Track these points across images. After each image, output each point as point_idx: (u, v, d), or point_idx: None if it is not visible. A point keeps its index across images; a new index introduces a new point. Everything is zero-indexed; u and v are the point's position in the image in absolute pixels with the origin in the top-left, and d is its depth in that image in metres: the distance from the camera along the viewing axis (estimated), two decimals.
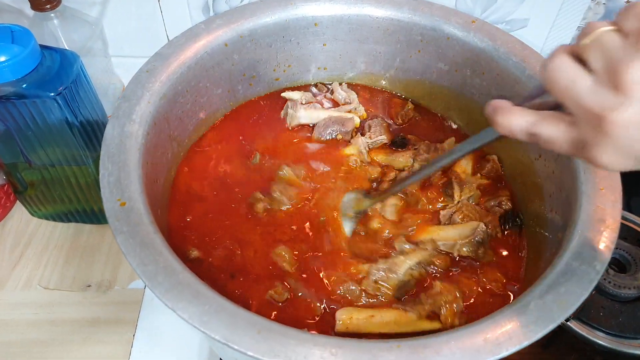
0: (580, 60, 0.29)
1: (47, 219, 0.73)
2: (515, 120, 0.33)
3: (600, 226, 0.36)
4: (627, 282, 0.59)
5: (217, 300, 0.32)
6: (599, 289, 0.59)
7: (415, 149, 0.55)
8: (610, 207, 0.37)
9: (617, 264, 0.62)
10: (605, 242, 0.35)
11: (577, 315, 0.58)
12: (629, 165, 0.30)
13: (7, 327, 0.63)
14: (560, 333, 0.58)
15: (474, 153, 0.54)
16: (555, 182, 0.45)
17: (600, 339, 0.57)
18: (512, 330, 0.31)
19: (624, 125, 0.27)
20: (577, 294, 0.33)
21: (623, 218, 0.67)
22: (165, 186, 0.47)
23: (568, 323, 0.58)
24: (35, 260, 0.70)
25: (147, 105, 0.43)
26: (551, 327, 0.31)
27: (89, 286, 0.67)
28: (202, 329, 0.30)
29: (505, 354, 0.30)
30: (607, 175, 0.39)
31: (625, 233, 0.66)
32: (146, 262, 0.33)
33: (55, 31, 0.64)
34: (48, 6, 0.62)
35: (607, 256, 0.35)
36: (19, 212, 0.75)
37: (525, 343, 0.30)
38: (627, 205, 0.69)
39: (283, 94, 0.60)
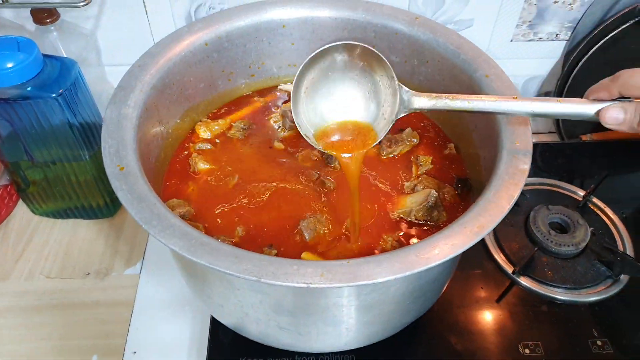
0: None
1: (47, 216, 0.80)
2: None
3: (514, 171, 0.44)
4: (567, 241, 0.67)
5: (201, 237, 0.39)
6: (543, 249, 0.68)
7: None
8: (522, 156, 0.45)
9: (559, 227, 0.70)
10: (516, 182, 0.43)
11: (525, 272, 0.66)
12: None
13: (13, 312, 0.68)
14: (511, 288, 0.66)
15: (435, 145, 0.62)
16: (486, 146, 0.53)
17: (545, 290, 0.65)
18: (439, 248, 0.39)
19: None
20: (492, 221, 0.40)
21: (564, 188, 0.76)
22: (156, 165, 0.54)
23: (517, 279, 0.66)
24: (37, 253, 0.76)
25: (139, 94, 0.51)
26: (470, 244, 0.39)
27: (88, 274, 0.73)
28: (190, 256, 0.38)
29: (433, 264, 0.37)
30: (521, 133, 0.48)
31: (566, 200, 0.74)
32: (143, 211, 0.40)
33: (54, 42, 0.72)
34: (48, 20, 0.69)
35: (517, 192, 0.43)
36: (20, 211, 0.81)
37: (450, 256, 0.38)
38: (584, 183, 0.78)
39: (281, 86, 0.67)
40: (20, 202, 0.81)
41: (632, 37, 0.77)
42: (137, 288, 0.70)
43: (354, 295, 0.43)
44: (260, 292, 0.43)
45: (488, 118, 0.53)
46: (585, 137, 0.86)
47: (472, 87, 0.56)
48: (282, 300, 0.44)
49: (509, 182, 0.43)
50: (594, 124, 0.88)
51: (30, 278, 0.72)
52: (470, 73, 0.55)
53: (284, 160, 0.61)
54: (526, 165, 0.44)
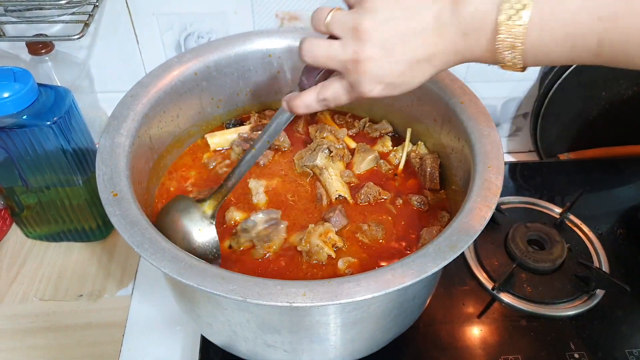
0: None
1: (40, 239, 0.81)
2: (306, 98, 0.46)
3: (486, 193, 0.47)
4: (545, 257, 0.70)
5: (190, 260, 0.42)
6: (522, 265, 0.70)
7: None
8: (494, 179, 0.48)
9: (537, 243, 0.73)
10: (488, 204, 0.46)
11: (505, 288, 0.69)
12: (381, 90, 0.43)
13: (7, 335, 0.69)
14: (492, 303, 0.68)
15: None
16: (461, 168, 0.56)
17: (525, 305, 0.67)
18: (414, 267, 0.41)
19: (368, 60, 0.40)
20: (465, 241, 0.43)
21: (542, 206, 0.79)
22: (147, 189, 0.57)
23: (498, 295, 0.68)
24: (31, 276, 0.77)
25: (132, 122, 0.53)
26: (443, 264, 0.41)
27: (81, 296, 0.74)
28: (179, 278, 0.40)
29: (408, 283, 0.40)
30: (494, 157, 0.50)
31: (544, 218, 0.77)
32: (135, 235, 0.43)
33: (49, 71, 0.74)
34: (43, 51, 0.72)
35: (489, 214, 0.45)
36: (14, 235, 0.82)
37: (423, 276, 0.40)
38: (562, 201, 0.81)
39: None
40: (14, 225, 0.82)
41: None
42: (129, 309, 0.72)
43: (337, 313, 0.45)
44: (247, 311, 0.45)
45: (464, 141, 0.56)
46: (563, 156, 0.90)
47: (449, 113, 0.59)
48: (268, 319, 0.46)
49: (482, 204, 0.46)
50: (571, 144, 0.91)
51: (24, 301, 0.73)
52: (447, 100, 0.59)
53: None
54: (497, 188, 0.47)
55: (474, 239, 0.43)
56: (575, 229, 0.76)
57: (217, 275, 0.40)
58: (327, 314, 0.45)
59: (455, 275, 0.71)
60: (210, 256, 0.53)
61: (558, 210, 0.78)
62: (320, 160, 0.61)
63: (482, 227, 0.44)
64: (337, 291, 0.39)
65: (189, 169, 0.65)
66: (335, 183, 0.61)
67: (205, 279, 0.40)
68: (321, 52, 0.42)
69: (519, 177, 0.86)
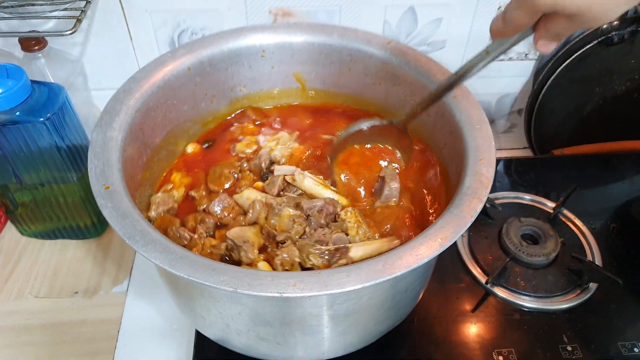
0: None
1: (35, 237, 0.81)
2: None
3: (477, 185, 0.47)
4: (538, 252, 0.70)
5: (181, 252, 0.42)
6: (516, 259, 0.70)
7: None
8: (485, 171, 0.48)
9: (530, 238, 0.73)
10: (479, 196, 0.46)
11: (499, 282, 0.69)
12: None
13: (3, 332, 0.69)
14: (486, 298, 0.68)
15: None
16: (454, 162, 0.56)
17: (518, 299, 0.67)
18: (405, 259, 0.41)
19: None
20: (454, 233, 0.43)
21: (536, 201, 0.79)
22: (141, 182, 0.57)
23: (491, 289, 0.68)
24: (26, 274, 0.77)
25: (124, 117, 0.53)
26: (433, 255, 0.42)
27: (76, 293, 0.74)
28: (170, 269, 0.40)
29: (397, 274, 0.40)
30: (485, 150, 0.51)
31: (538, 213, 0.77)
32: (127, 227, 0.43)
33: (42, 68, 0.74)
34: (36, 47, 0.72)
35: (480, 206, 0.45)
36: (9, 232, 0.82)
37: (414, 266, 0.41)
38: (556, 196, 0.81)
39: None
40: (9, 223, 0.82)
41: (595, 56, 0.82)
42: (124, 306, 0.72)
43: (328, 305, 0.45)
44: (238, 304, 0.46)
45: (456, 135, 0.56)
46: (557, 152, 0.90)
47: (441, 107, 0.59)
48: (260, 311, 0.46)
49: (472, 197, 0.46)
50: (565, 140, 0.92)
51: (19, 298, 0.73)
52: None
53: None
54: (489, 181, 0.47)
55: (464, 231, 0.43)
56: (568, 223, 0.76)
57: (208, 267, 0.40)
58: (318, 306, 0.45)
59: (449, 269, 0.71)
60: None
61: (552, 205, 0.78)
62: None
63: (473, 219, 0.44)
64: (327, 281, 0.39)
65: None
66: None
67: (196, 270, 0.40)
68: None
69: (513, 172, 0.87)
